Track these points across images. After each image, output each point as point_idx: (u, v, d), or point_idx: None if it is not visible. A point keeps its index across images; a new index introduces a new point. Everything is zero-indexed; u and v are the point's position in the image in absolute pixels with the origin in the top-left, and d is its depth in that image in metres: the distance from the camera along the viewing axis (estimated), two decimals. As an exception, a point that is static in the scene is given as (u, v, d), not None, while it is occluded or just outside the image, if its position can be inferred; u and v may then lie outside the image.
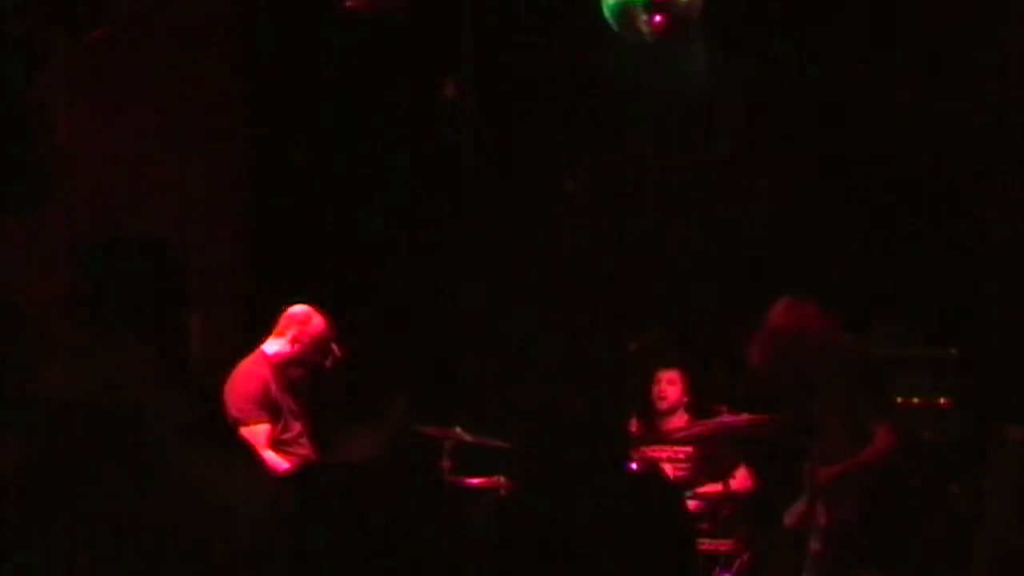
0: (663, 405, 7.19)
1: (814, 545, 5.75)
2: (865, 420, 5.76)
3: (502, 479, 6.49)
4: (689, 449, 7.12)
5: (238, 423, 6.23)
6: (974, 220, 7.43)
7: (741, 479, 6.97)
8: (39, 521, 2.08)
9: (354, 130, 8.54)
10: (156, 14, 7.93)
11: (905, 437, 5.87)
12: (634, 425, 7.09)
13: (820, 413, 5.88)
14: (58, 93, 7.17)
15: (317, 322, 6.43)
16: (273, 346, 6.43)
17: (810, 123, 7.71)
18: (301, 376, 6.46)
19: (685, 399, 7.21)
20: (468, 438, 6.75)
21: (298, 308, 6.47)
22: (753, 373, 5.98)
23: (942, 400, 7.02)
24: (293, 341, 6.40)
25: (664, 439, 7.14)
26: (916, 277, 7.41)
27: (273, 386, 6.33)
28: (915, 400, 7.00)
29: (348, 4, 7.33)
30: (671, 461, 7.11)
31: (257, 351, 6.44)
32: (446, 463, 6.64)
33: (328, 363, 6.49)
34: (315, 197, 8.59)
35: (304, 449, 6.36)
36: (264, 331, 6.59)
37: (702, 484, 7.00)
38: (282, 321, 6.45)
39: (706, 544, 6.62)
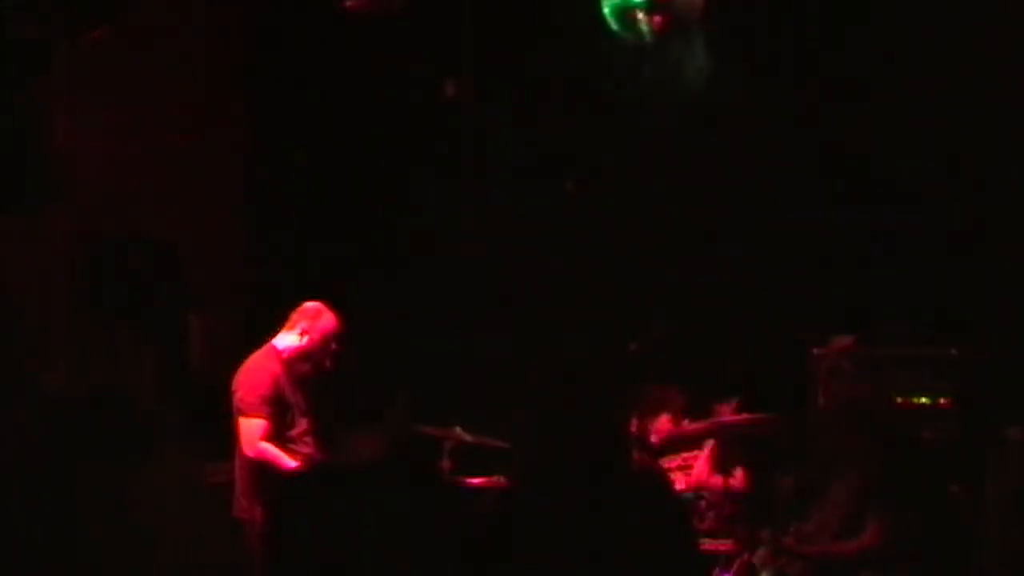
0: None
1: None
2: (865, 508, 5.73)
3: (502, 479, 6.48)
4: (698, 454, 7.10)
5: (239, 413, 6.26)
6: (974, 220, 7.43)
7: (739, 479, 6.97)
8: (37, 517, 2.08)
9: (354, 130, 8.54)
10: (156, 15, 7.93)
11: (891, 534, 5.78)
12: (634, 425, 7.08)
13: (831, 484, 5.83)
14: (58, 94, 7.17)
15: (327, 318, 6.48)
16: (283, 340, 6.46)
17: (810, 123, 7.70)
18: (308, 372, 6.47)
19: (677, 419, 7.19)
20: (468, 438, 6.75)
21: (310, 304, 6.52)
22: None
23: (942, 400, 7.01)
24: (302, 334, 6.44)
25: (666, 445, 7.12)
26: (916, 277, 7.41)
27: (283, 381, 6.35)
28: (915, 400, 7.00)
29: (348, 4, 7.33)
30: (681, 469, 7.09)
31: (268, 345, 6.47)
32: (446, 463, 6.65)
33: (329, 361, 6.51)
34: (315, 197, 8.60)
35: (308, 447, 6.37)
36: (264, 331, 6.60)
37: (709, 481, 7.00)
38: (293, 316, 6.50)
39: (706, 544, 6.62)
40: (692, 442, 7.07)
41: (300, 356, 6.44)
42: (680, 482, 6.94)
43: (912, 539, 5.72)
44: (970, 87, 7.32)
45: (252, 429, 6.23)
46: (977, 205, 7.41)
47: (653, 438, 7.10)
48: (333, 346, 6.48)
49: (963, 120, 7.32)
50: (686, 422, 7.12)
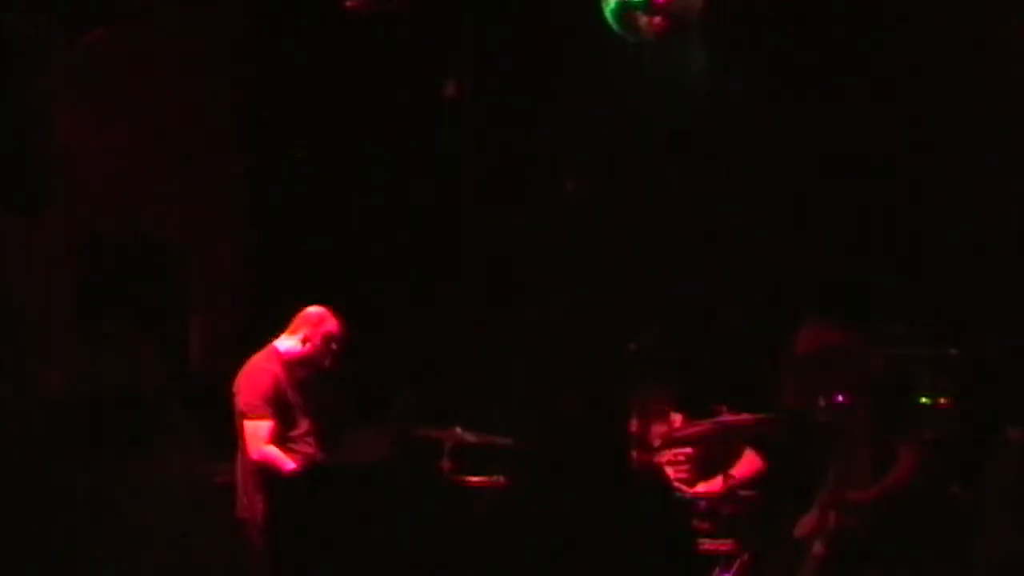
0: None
1: (817, 548, 5.76)
2: (889, 438, 5.72)
3: (502, 479, 6.48)
4: (689, 450, 7.09)
5: (243, 415, 6.29)
6: (974, 220, 7.43)
7: (747, 464, 6.96)
8: (37, 518, 2.08)
9: (354, 130, 8.55)
10: (156, 14, 7.93)
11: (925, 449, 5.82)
12: (634, 425, 7.08)
13: (845, 432, 5.83)
14: (58, 93, 7.17)
15: (330, 324, 6.51)
16: (285, 343, 6.49)
17: (810, 123, 7.70)
18: (306, 376, 6.50)
19: (669, 417, 7.17)
20: (468, 438, 6.76)
21: (314, 309, 6.56)
22: (790, 410, 5.99)
23: (942, 400, 7.02)
24: (305, 340, 6.47)
25: (664, 441, 7.12)
26: (917, 277, 7.41)
27: (284, 382, 6.39)
28: (915, 400, 7.00)
29: (348, 4, 7.34)
30: (672, 464, 7.09)
31: (269, 347, 6.50)
32: (446, 463, 6.66)
33: (329, 362, 6.54)
34: (315, 197, 8.60)
35: (309, 448, 6.40)
36: (264, 331, 6.62)
37: (703, 482, 6.99)
38: (297, 320, 6.54)
39: (706, 544, 6.61)
40: (694, 443, 7.06)
41: (300, 361, 6.48)
42: (669, 475, 6.94)
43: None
44: (971, 88, 7.32)
45: (257, 431, 6.26)
46: (977, 205, 7.41)
47: (655, 438, 7.11)
48: (334, 348, 6.52)
49: (965, 120, 7.32)
50: (680, 421, 7.13)
